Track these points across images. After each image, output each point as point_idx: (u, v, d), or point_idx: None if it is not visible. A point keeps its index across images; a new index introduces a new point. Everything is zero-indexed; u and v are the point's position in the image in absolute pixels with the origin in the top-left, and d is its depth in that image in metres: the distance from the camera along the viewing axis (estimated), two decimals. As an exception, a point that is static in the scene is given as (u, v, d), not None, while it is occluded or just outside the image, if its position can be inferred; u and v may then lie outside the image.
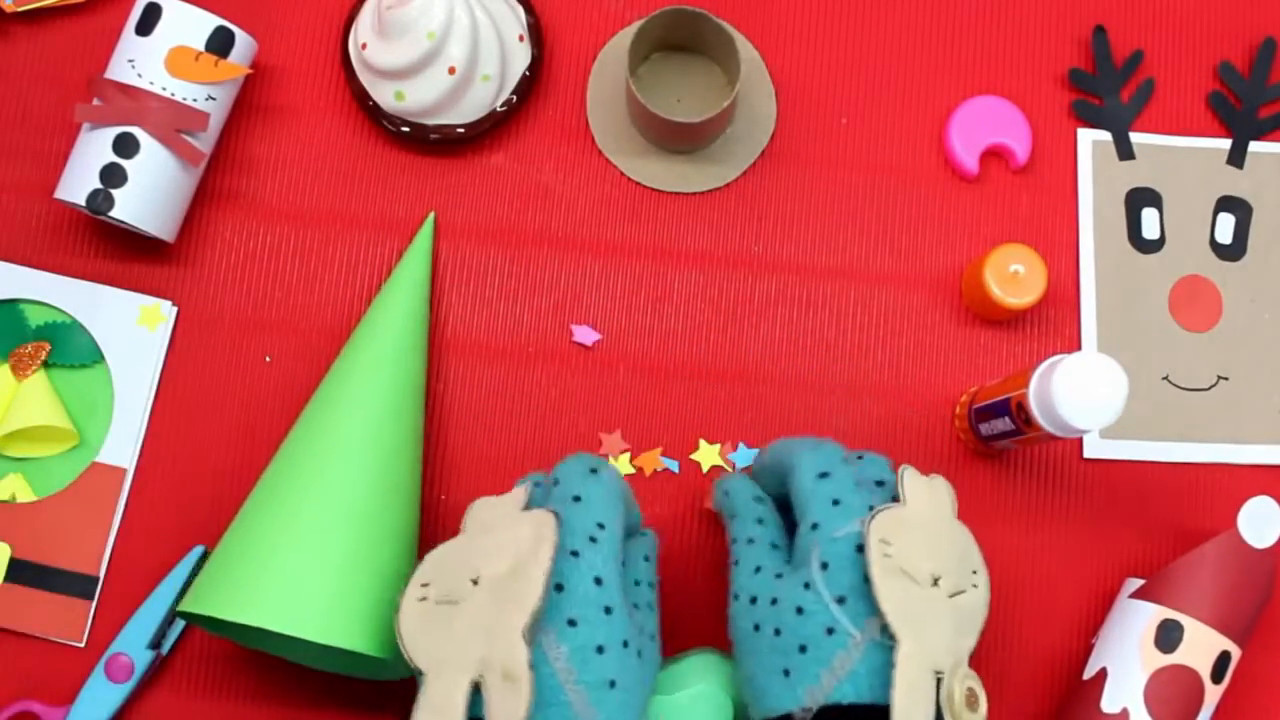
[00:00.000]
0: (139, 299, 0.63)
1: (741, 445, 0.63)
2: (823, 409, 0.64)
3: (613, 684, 0.46)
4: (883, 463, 0.52)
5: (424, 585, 0.48)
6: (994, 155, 0.67)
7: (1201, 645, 0.57)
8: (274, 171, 0.65)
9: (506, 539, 0.47)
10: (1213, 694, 0.57)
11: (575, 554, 0.47)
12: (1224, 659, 0.57)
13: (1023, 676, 0.62)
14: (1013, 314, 0.63)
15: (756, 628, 0.49)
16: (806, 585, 0.47)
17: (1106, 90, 0.67)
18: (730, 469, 0.63)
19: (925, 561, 0.47)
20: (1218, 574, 0.58)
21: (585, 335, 0.64)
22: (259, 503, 0.55)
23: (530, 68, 0.64)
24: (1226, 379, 0.65)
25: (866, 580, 0.46)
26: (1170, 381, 0.65)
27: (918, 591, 0.46)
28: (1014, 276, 0.61)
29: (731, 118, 0.64)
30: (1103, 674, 0.58)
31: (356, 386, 0.57)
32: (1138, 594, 0.59)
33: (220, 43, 0.60)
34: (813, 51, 0.67)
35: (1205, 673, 0.57)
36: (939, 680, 0.45)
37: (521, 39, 0.64)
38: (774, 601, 0.48)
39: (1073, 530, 0.64)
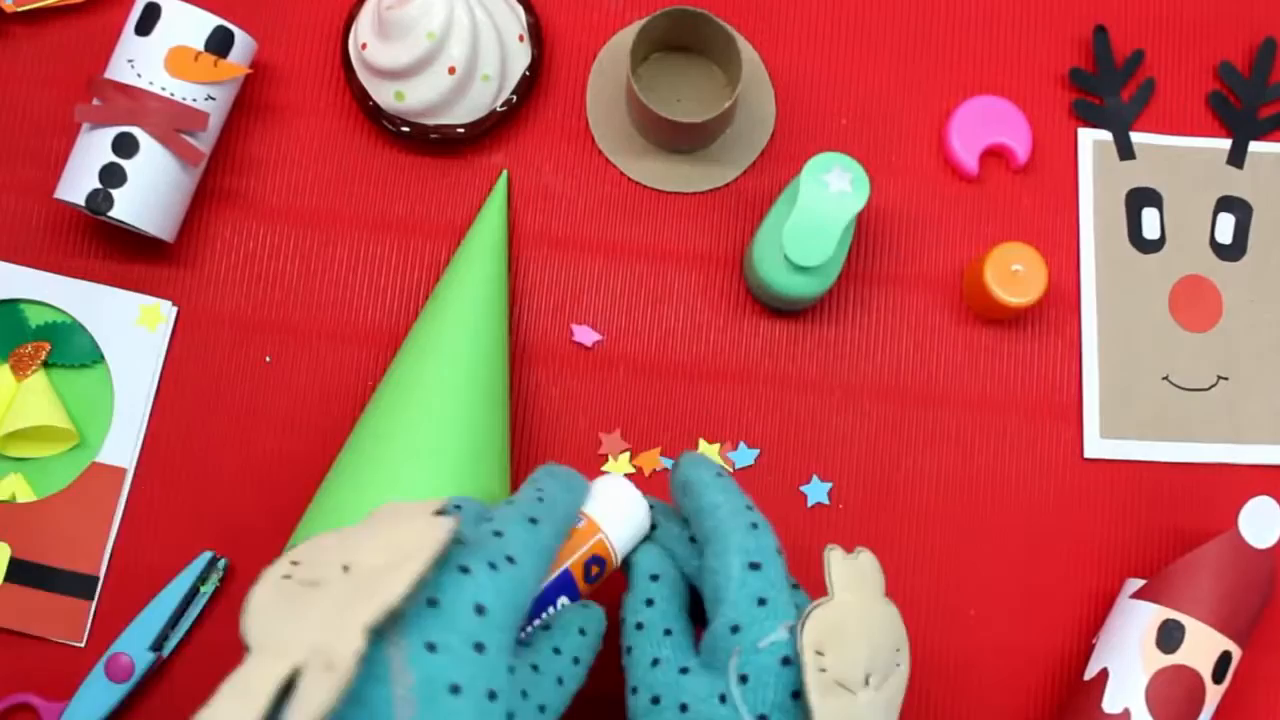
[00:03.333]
0: (139, 299, 0.63)
1: (742, 445, 0.63)
2: (823, 409, 0.64)
3: None
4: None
5: (293, 563, 0.40)
6: (994, 155, 0.67)
7: (1202, 645, 0.57)
8: (274, 171, 0.65)
9: (394, 533, 0.41)
10: (1214, 694, 0.57)
11: (465, 570, 0.41)
12: (1225, 659, 0.57)
13: (1023, 677, 0.62)
14: (1013, 313, 0.63)
15: None
16: (722, 698, 0.43)
17: (1107, 90, 0.67)
18: (730, 468, 0.63)
19: (860, 666, 0.43)
20: (1218, 574, 0.58)
21: (585, 335, 0.64)
22: (360, 459, 0.55)
23: (530, 68, 0.64)
24: (1226, 379, 0.65)
25: (794, 697, 0.43)
26: (1170, 381, 0.65)
27: (851, 702, 0.42)
28: (1014, 275, 0.61)
29: (732, 118, 0.64)
30: (1104, 674, 0.58)
31: (448, 341, 0.57)
32: (1138, 594, 0.59)
33: (220, 43, 0.60)
34: (813, 51, 0.67)
35: (1206, 673, 0.57)
36: None
37: (521, 39, 0.64)
38: (683, 709, 0.43)
39: (1073, 530, 0.64)
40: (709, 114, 0.61)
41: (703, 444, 0.63)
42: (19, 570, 0.60)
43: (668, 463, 0.63)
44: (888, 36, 0.68)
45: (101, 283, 0.63)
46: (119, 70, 0.60)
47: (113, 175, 0.59)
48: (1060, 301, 0.66)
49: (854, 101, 0.67)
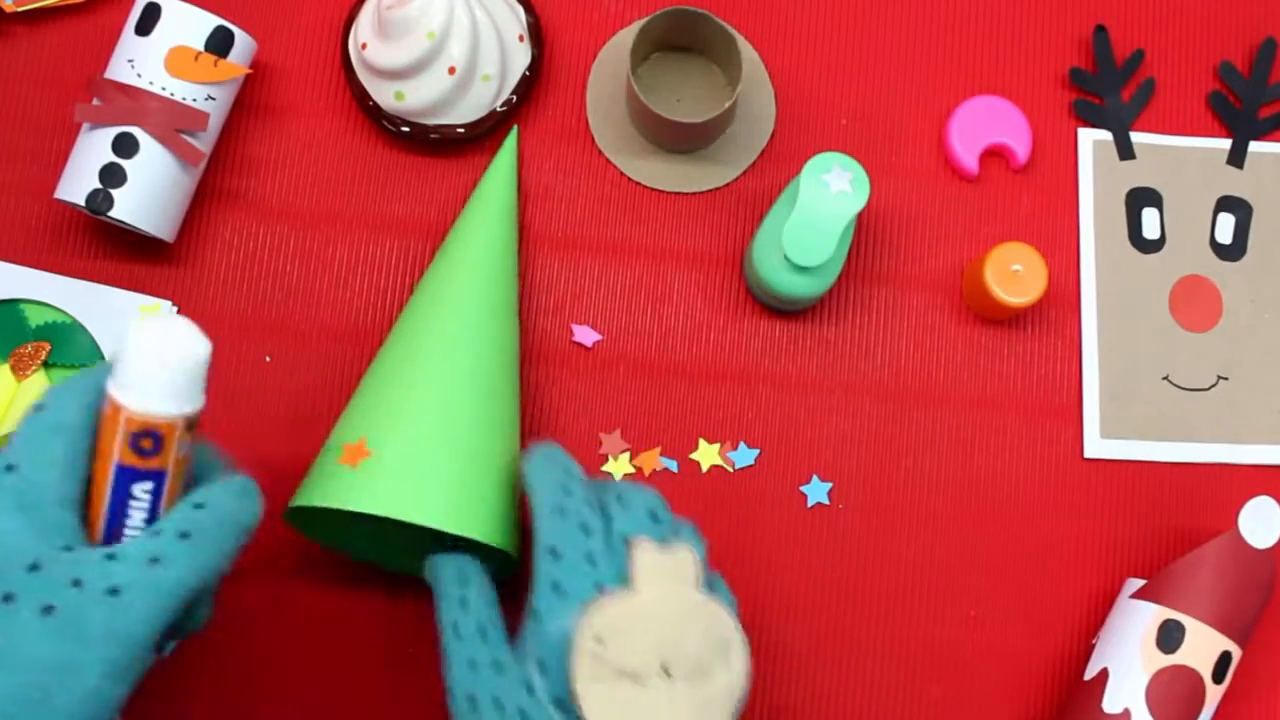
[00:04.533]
0: (139, 299, 0.63)
1: (742, 445, 0.63)
2: (822, 409, 0.64)
3: None
4: (646, 505, 0.48)
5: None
6: (994, 155, 0.67)
7: (1203, 645, 0.57)
8: (274, 171, 0.65)
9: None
10: (1214, 694, 0.57)
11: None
12: (1225, 659, 0.57)
13: (1023, 677, 0.62)
14: (1013, 313, 0.63)
15: (472, 698, 0.44)
16: (529, 689, 0.44)
17: (1107, 90, 0.67)
18: (730, 468, 0.63)
19: (650, 655, 0.43)
20: (1219, 574, 0.58)
21: (585, 335, 0.64)
22: (371, 402, 0.55)
23: (530, 68, 0.64)
24: (1226, 379, 0.65)
25: None
26: (1170, 381, 0.65)
27: (638, 691, 0.42)
28: (1014, 275, 0.61)
29: (732, 118, 0.64)
30: (1104, 674, 0.58)
31: (458, 289, 0.58)
32: (1138, 594, 0.59)
33: (220, 43, 0.60)
34: (813, 51, 0.67)
35: (1206, 673, 0.57)
36: None
37: (521, 39, 0.64)
38: (498, 704, 0.44)
39: (1073, 530, 0.64)
40: (709, 114, 0.61)
41: (703, 444, 0.63)
42: (19, 570, 0.60)
43: (666, 462, 0.63)
44: (888, 36, 0.68)
45: (101, 283, 0.63)
46: (119, 70, 0.60)
47: (113, 175, 0.59)
48: (1060, 301, 0.66)
49: (854, 101, 0.67)
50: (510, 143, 0.64)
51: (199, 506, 0.42)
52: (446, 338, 0.56)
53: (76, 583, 0.37)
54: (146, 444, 0.41)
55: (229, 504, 0.42)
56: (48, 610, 0.37)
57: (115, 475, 0.42)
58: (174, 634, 0.44)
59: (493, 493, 0.54)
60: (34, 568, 0.38)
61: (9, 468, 0.40)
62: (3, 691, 0.36)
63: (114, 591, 0.38)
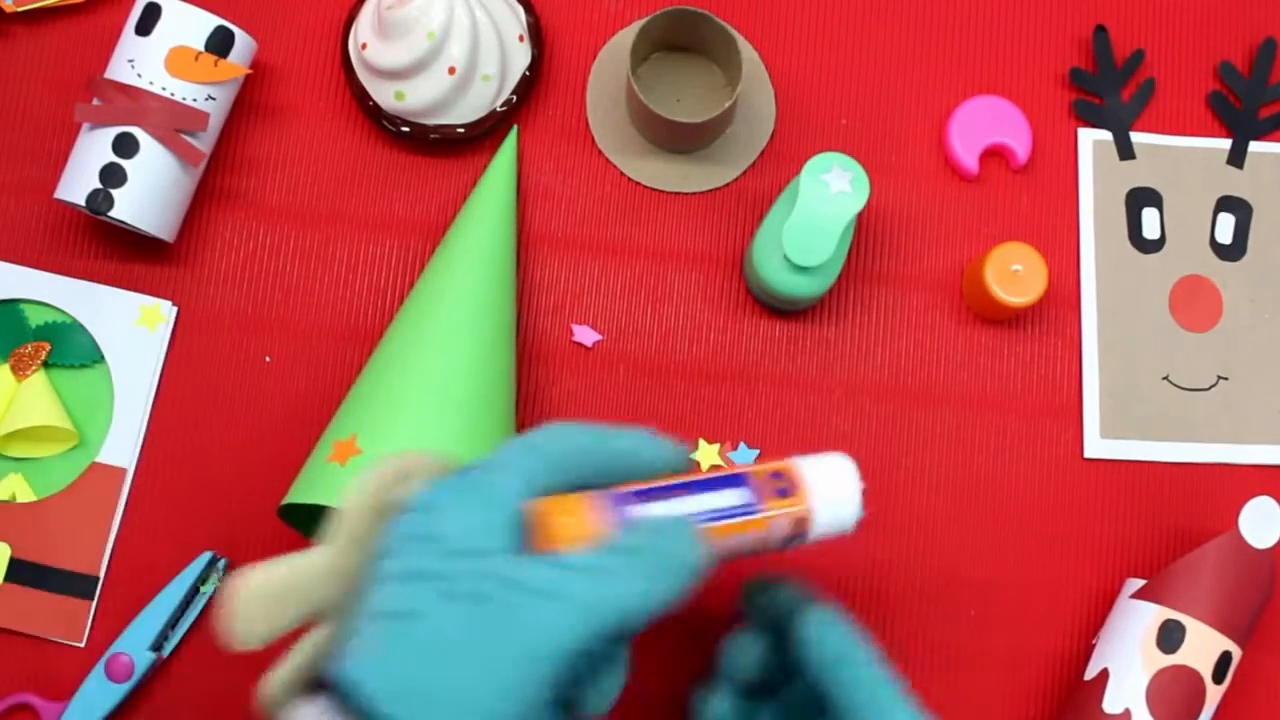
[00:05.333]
0: (139, 299, 0.63)
1: (742, 445, 0.63)
2: (823, 409, 0.64)
3: None
4: None
5: None
6: (994, 155, 0.67)
7: (1203, 646, 0.57)
8: (274, 171, 0.65)
9: None
10: (1214, 694, 0.57)
11: None
12: (1225, 659, 0.57)
13: (1023, 677, 0.62)
14: (1013, 313, 0.63)
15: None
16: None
17: (1107, 90, 0.67)
18: (729, 467, 0.63)
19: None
20: (1219, 574, 0.58)
21: (585, 335, 0.64)
22: (364, 399, 0.55)
23: (530, 68, 0.64)
24: (1226, 379, 0.65)
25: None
26: (1170, 381, 0.65)
27: None
28: (1014, 275, 0.61)
29: (731, 118, 0.64)
30: (1104, 674, 0.58)
31: (454, 287, 0.58)
32: (1139, 594, 0.59)
33: (220, 43, 0.60)
34: (813, 51, 0.67)
35: (1207, 673, 0.57)
36: None
37: (521, 39, 0.64)
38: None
39: (1073, 530, 0.64)
40: (709, 114, 0.61)
41: (703, 444, 0.63)
42: (19, 570, 0.60)
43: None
44: (888, 36, 0.68)
45: (101, 283, 0.63)
46: (119, 70, 0.60)
47: (113, 175, 0.59)
48: (1060, 301, 0.66)
49: (854, 101, 0.67)
50: (510, 142, 0.64)
51: (653, 532, 0.40)
52: (441, 337, 0.56)
53: (511, 581, 0.37)
54: (782, 484, 0.44)
55: (676, 538, 0.41)
56: (479, 600, 0.37)
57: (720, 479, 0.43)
58: (576, 703, 0.41)
59: None
60: (479, 555, 0.38)
61: (481, 468, 0.40)
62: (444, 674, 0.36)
63: (548, 594, 0.37)
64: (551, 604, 0.37)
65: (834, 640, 0.46)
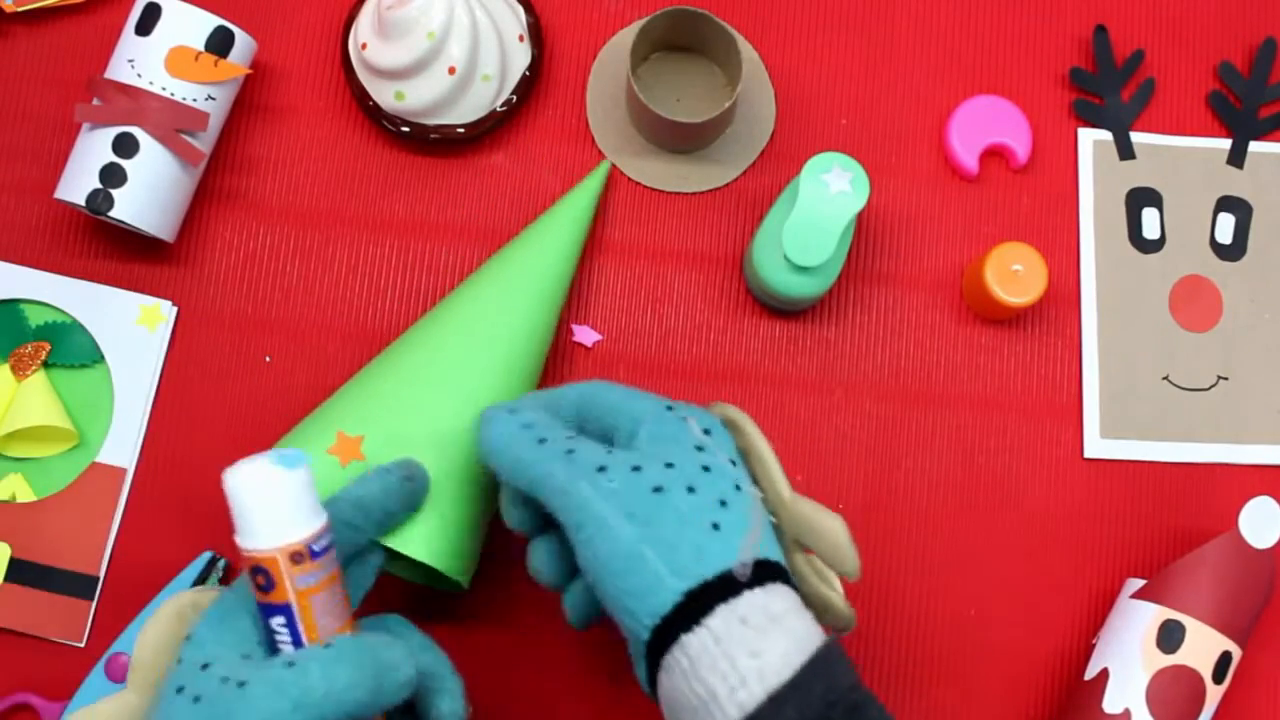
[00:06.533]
0: (139, 299, 0.63)
1: (741, 445, 0.63)
2: (822, 409, 0.64)
3: None
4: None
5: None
6: (994, 155, 0.67)
7: (1203, 645, 0.57)
8: (274, 171, 0.65)
9: None
10: (1214, 694, 0.57)
11: None
12: (1225, 659, 0.57)
13: (1023, 677, 0.62)
14: (1013, 313, 0.63)
15: (658, 489, 0.44)
16: (699, 448, 0.46)
17: (1107, 90, 0.67)
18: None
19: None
20: (1219, 574, 0.58)
21: (585, 335, 0.64)
22: (383, 399, 0.54)
23: (530, 68, 0.64)
24: (1226, 379, 0.65)
25: (741, 453, 0.48)
26: (1170, 381, 0.65)
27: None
28: (1014, 275, 0.61)
29: (731, 118, 0.64)
30: (1104, 674, 0.58)
31: (519, 317, 0.57)
32: (1139, 594, 0.59)
33: (220, 43, 0.60)
34: (813, 51, 0.68)
35: (1207, 673, 0.57)
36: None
37: (521, 39, 0.64)
38: (669, 465, 0.44)
39: (1073, 530, 0.64)
40: (709, 114, 0.61)
41: (703, 444, 0.63)
42: (19, 570, 0.60)
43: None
44: (888, 36, 0.68)
45: (101, 283, 0.63)
46: (119, 70, 0.60)
47: (113, 175, 0.59)
48: (1060, 301, 0.66)
49: (854, 101, 0.67)
50: (600, 172, 0.64)
51: (354, 634, 0.44)
52: (486, 364, 0.55)
53: (225, 679, 0.41)
54: (260, 580, 0.44)
55: (381, 646, 0.44)
56: (197, 699, 0.41)
57: (258, 612, 0.45)
58: None
59: (469, 537, 0.54)
60: (205, 666, 0.42)
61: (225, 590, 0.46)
62: None
63: (242, 684, 0.41)
64: (267, 699, 0.41)
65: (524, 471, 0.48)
